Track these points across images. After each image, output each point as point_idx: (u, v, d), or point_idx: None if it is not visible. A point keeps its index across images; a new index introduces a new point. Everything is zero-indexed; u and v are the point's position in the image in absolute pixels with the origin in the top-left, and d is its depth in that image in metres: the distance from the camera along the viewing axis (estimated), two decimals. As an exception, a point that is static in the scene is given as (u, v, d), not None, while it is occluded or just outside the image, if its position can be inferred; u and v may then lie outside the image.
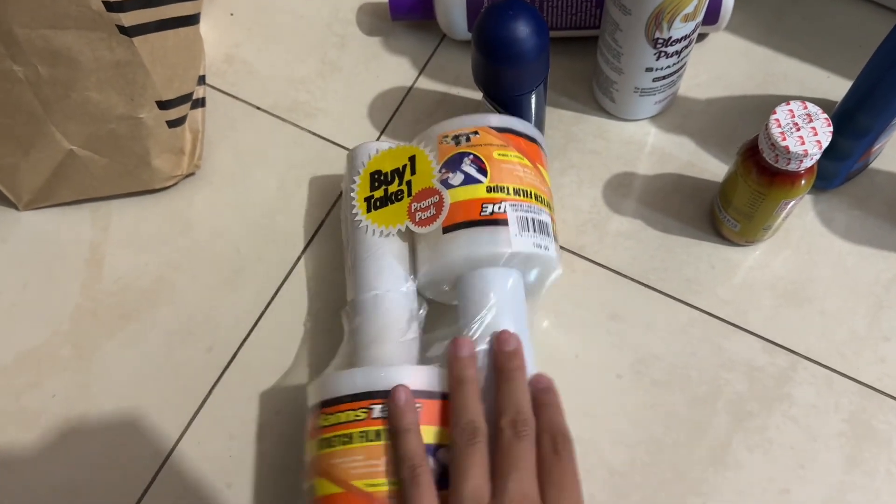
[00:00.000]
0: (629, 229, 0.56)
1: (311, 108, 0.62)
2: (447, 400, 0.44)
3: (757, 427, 0.51)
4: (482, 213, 0.47)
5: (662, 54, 0.52)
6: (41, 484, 0.50)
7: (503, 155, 0.49)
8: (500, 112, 0.53)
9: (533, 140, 0.51)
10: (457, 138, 0.49)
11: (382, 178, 0.51)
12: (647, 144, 0.59)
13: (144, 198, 0.58)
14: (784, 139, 0.45)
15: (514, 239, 0.46)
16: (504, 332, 0.45)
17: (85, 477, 0.51)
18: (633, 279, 0.55)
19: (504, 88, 0.51)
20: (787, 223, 0.56)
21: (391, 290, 0.48)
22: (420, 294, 0.50)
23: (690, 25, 0.51)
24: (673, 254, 0.56)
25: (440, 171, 0.49)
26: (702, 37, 0.62)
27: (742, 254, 0.55)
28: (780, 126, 0.46)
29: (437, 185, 0.48)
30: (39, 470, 0.51)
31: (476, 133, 0.49)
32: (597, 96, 0.60)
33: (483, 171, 0.48)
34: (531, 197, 0.48)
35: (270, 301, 0.55)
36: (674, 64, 0.54)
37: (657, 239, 0.56)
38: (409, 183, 0.49)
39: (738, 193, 0.51)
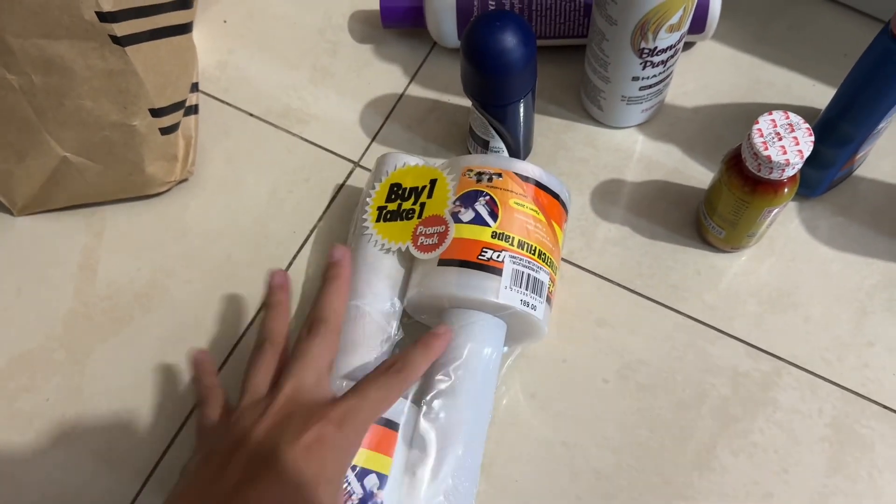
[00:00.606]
0: (617, 236, 0.57)
1: (303, 115, 0.62)
2: (393, 430, 0.44)
3: (741, 431, 0.51)
4: (479, 257, 0.47)
5: (648, 64, 0.53)
6: (34, 487, 0.51)
7: (519, 204, 0.48)
8: (488, 119, 0.53)
9: (556, 196, 0.50)
10: (479, 175, 0.49)
11: (400, 192, 0.51)
12: (634, 152, 0.60)
13: (138, 204, 0.59)
14: (766, 148, 0.46)
15: (503, 291, 0.46)
16: (336, 248, 0.49)
17: (77, 480, 0.51)
18: (620, 285, 0.56)
19: (492, 97, 0.52)
20: (771, 230, 0.56)
21: (374, 305, 0.48)
22: (406, 313, 0.50)
23: (675, 36, 0.51)
24: (659, 260, 0.56)
25: (454, 203, 0.49)
26: (689, 45, 0.63)
27: (727, 260, 0.56)
28: (762, 135, 0.46)
29: (447, 216, 0.48)
30: (32, 473, 0.51)
31: (500, 175, 0.49)
32: (585, 104, 0.61)
33: (494, 215, 0.48)
34: (534, 253, 0.48)
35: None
36: (660, 73, 0.55)
37: (644, 245, 0.57)
38: (422, 205, 0.49)
39: (723, 201, 0.51)
